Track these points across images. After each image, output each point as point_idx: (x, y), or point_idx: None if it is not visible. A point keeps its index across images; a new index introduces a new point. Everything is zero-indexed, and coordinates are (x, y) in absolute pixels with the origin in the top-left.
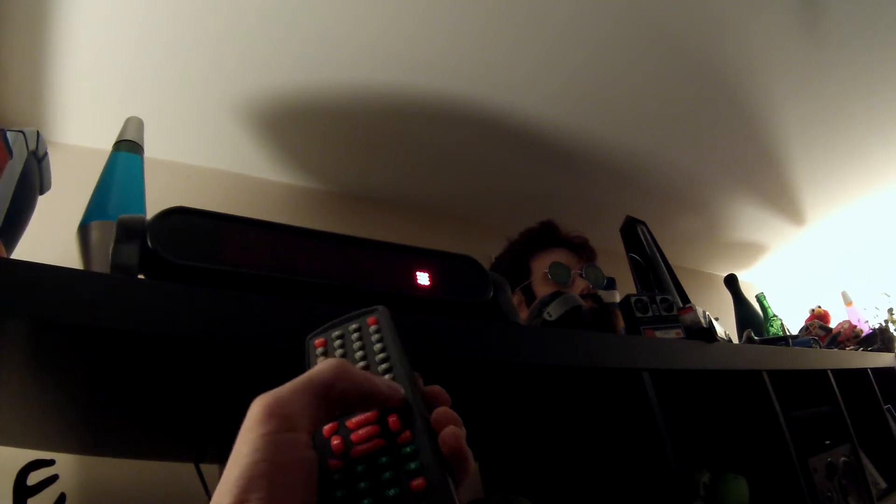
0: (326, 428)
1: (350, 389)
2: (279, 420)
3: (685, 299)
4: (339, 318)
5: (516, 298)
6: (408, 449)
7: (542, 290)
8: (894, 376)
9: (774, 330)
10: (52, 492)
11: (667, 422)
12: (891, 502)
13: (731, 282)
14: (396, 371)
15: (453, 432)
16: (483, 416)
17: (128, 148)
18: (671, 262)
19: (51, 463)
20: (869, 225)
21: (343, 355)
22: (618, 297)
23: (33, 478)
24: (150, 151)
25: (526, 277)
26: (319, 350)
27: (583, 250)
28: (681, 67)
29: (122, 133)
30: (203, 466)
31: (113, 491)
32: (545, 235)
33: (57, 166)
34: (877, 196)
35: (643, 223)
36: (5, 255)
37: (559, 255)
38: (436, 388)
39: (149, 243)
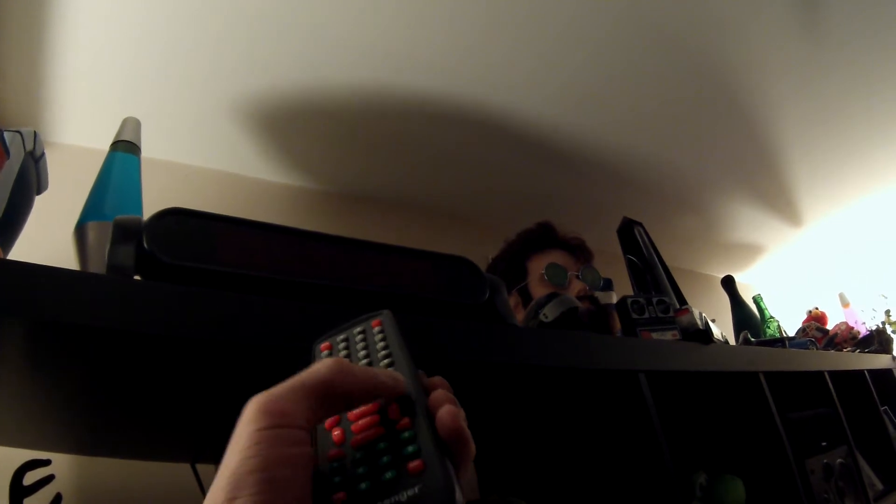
0: (329, 422)
1: (353, 386)
2: (271, 417)
3: (682, 301)
4: (345, 324)
5: (513, 300)
6: (406, 434)
7: (538, 291)
8: (891, 378)
9: (771, 331)
10: (48, 492)
11: (663, 423)
12: (887, 503)
13: (729, 283)
14: (398, 364)
15: (450, 411)
16: (479, 416)
17: (125, 148)
18: (668, 263)
19: (47, 463)
20: (867, 226)
21: (347, 356)
22: (615, 299)
23: (29, 478)
24: (147, 151)
25: (523, 279)
26: (325, 353)
27: (580, 251)
28: (680, 68)
29: (119, 133)
30: (199, 466)
31: (109, 491)
32: (542, 237)
33: (54, 166)
34: (875, 197)
35: (640, 224)
36: (2, 256)
37: (556, 257)
38: (437, 378)
39: (145, 244)
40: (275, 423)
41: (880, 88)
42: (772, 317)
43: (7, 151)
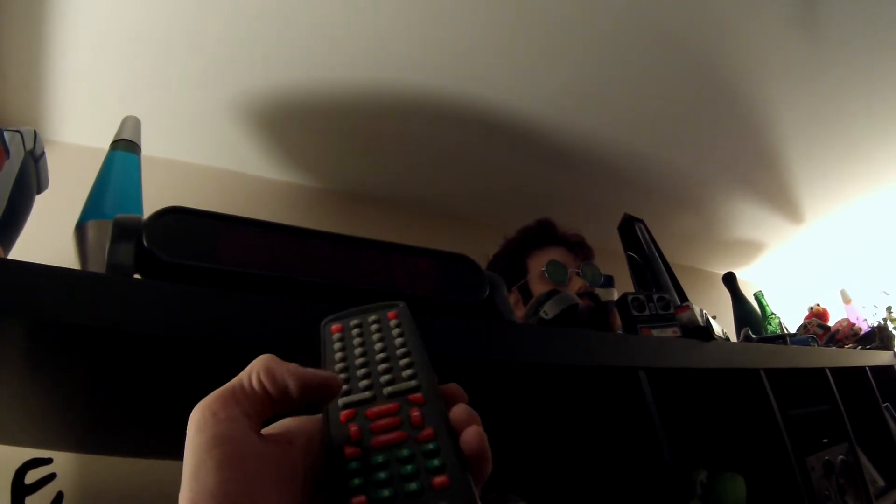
0: (343, 413)
1: (287, 373)
2: (205, 417)
3: (683, 297)
4: (357, 308)
5: (513, 297)
6: (430, 446)
7: (538, 288)
8: (893, 374)
9: (772, 328)
10: (49, 490)
11: (663, 420)
12: (889, 500)
13: (730, 280)
14: (418, 368)
15: (477, 432)
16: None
17: (125, 147)
18: (669, 260)
19: (48, 461)
20: (868, 223)
21: (361, 344)
22: (616, 295)
23: (31, 476)
24: (147, 150)
25: (523, 276)
26: (336, 336)
27: (580, 248)
28: (680, 67)
29: (119, 132)
30: None
31: (110, 489)
32: (542, 234)
33: (54, 165)
34: (876, 194)
35: (641, 221)
36: (3, 255)
37: (556, 254)
38: (452, 385)
39: (144, 243)
40: (207, 422)
41: (879, 87)
42: (773, 313)
43: (7, 151)
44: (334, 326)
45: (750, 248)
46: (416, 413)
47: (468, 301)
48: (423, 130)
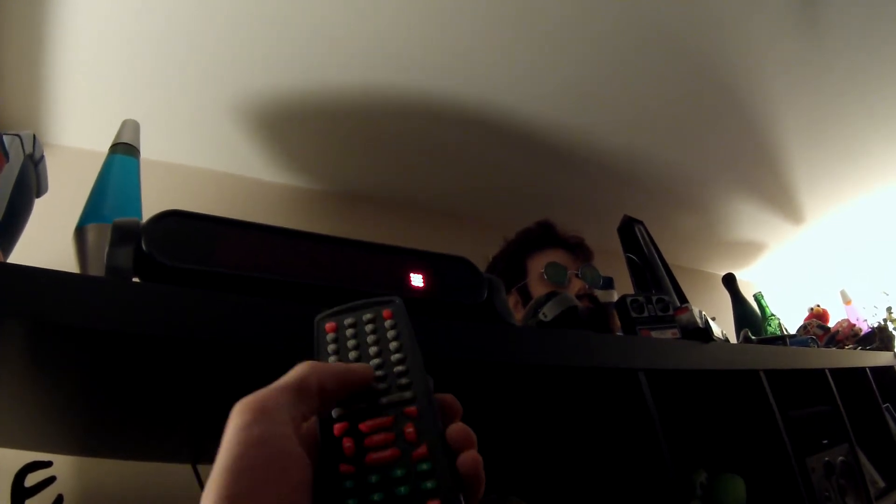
0: (337, 426)
1: (324, 374)
2: (253, 413)
3: (683, 299)
4: (351, 303)
5: (512, 299)
6: (424, 466)
7: (538, 290)
8: (893, 375)
9: (772, 329)
10: (49, 493)
11: (663, 422)
12: (889, 501)
13: (730, 281)
14: (412, 373)
15: (473, 457)
16: (478, 415)
17: (124, 151)
18: (669, 261)
19: (48, 464)
20: (868, 223)
21: (356, 347)
22: (615, 297)
23: (31, 479)
24: (147, 153)
25: (522, 277)
26: (330, 336)
27: (579, 250)
28: (679, 66)
29: (118, 136)
30: (200, 467)
31: (110, 492)
32: (542, 235)
33: (54, 168)
34: (876, 194)
35: (641, 222)
36: (3, 259)
37: (556, 255)
38: (448, 397)
39: (143, 246)
40: (257, 418)
41: (879, 87)
42: (773, 314)
43: (6, 155)
44: (328, 325)
45: (750, 249)
46: (410, 429)
47: (467, 303)
48: (423, 131)
